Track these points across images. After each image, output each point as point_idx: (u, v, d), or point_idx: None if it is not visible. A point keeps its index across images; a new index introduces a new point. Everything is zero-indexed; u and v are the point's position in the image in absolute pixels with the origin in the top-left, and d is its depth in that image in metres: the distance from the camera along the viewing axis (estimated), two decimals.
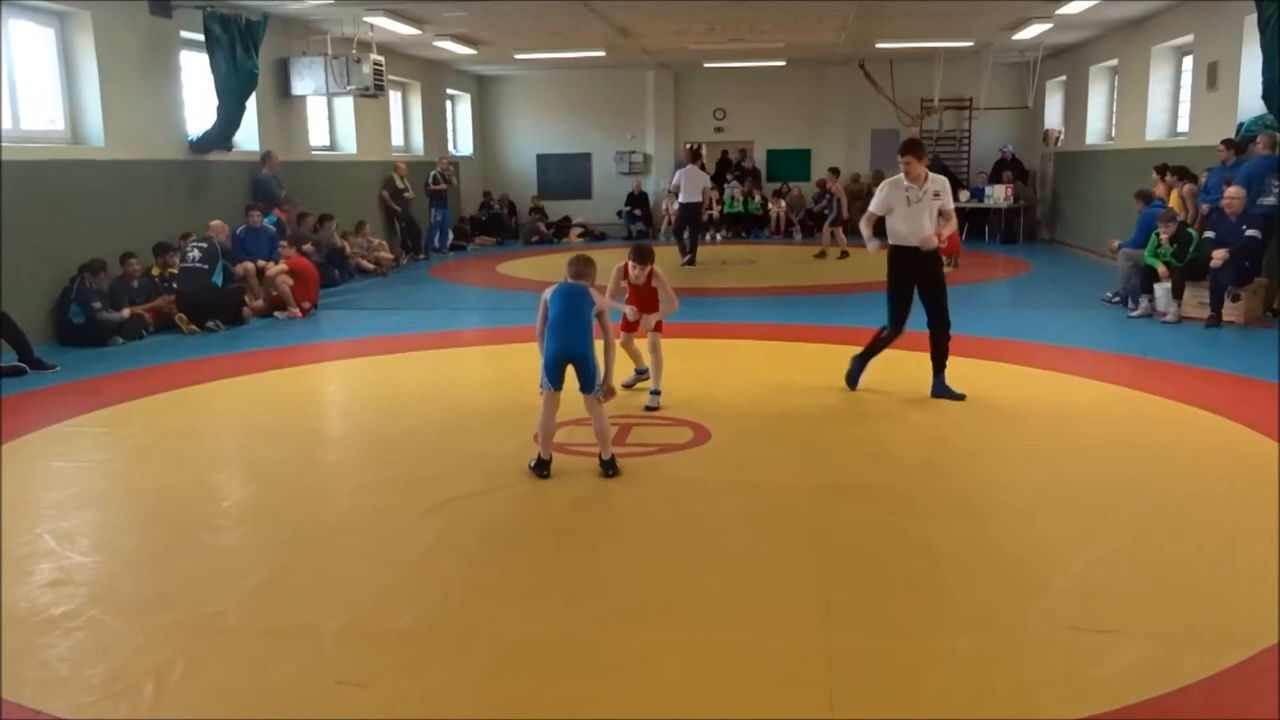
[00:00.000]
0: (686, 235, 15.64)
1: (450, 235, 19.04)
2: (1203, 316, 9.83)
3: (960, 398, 6.87)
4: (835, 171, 18.04)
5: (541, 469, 5.50)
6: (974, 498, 5.25)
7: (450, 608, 3.96)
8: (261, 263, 11.61)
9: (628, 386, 7.33)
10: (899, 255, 6.96)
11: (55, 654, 3.60)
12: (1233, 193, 10.00)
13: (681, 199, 15.51)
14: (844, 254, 16.39)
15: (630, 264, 6.92)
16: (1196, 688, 3.24)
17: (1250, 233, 9.75)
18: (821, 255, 16.71)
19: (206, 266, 10.59)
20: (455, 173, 18.87)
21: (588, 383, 5.45)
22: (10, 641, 3.67)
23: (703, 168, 16.38)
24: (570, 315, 5.40)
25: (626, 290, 7.09)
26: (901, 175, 6.85)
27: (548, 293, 5.51)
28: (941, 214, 6.88)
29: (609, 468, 5.50)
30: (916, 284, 6.95)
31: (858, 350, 7.30)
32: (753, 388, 7.54)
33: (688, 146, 21.87)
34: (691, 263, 15.51)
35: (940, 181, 6.90)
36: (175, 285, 10.61)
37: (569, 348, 5.39)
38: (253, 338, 10.16)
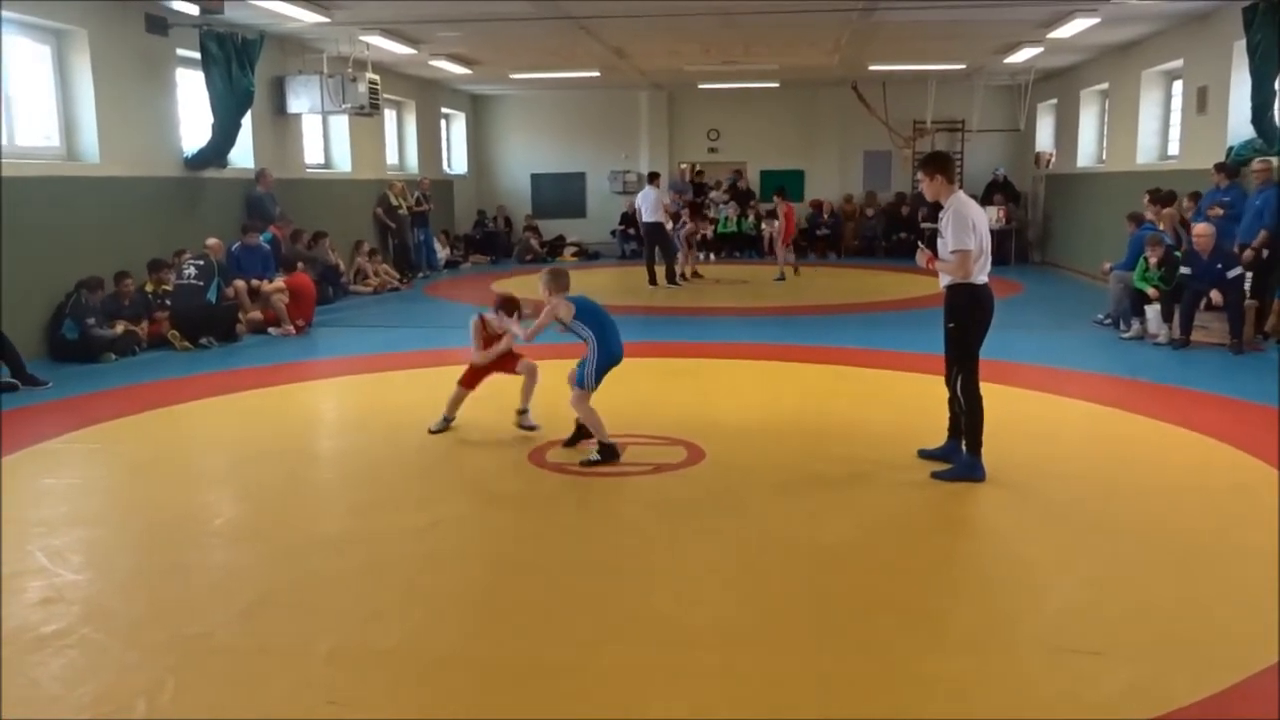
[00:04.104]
0: (659, 257, 15.69)
1: (445, 252, 19.11)
2: (1209, 341, 9.79)
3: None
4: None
5: (611, 454, 6.01)
6: (963, 520, 5.27)
7: (439, 629, 3.96)
8: (256, 281, 11.62)
9: (434, 432, 6.88)
10: None
11: (46, 672, 3.58)
12: (1201, 230, 9.91)
13: (644, 219, 15.76)
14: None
15: (494, 316, 6.74)
16: (1190, 710, 3.25)
17: (1233, 274, 9.63)
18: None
19: (202, 283, 10.59)
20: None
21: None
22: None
23: (664, 187, 16.64)
24: (611, 322, 6.16)
25: (482, 343, 6.93)
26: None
27: (571, 309, 6.04)
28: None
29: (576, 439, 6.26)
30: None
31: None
32: (747, 407, 7.55)
33: (683, 166, 22.06)
34: (672, 280, 15.56)
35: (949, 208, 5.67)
36: (169, 302, 10.60)
37: (621, 350, 6.15)
38: (246, 355, 10.15)
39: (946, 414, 5.97)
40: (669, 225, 19.16)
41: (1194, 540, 4.83)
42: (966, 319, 5.69)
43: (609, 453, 6.01)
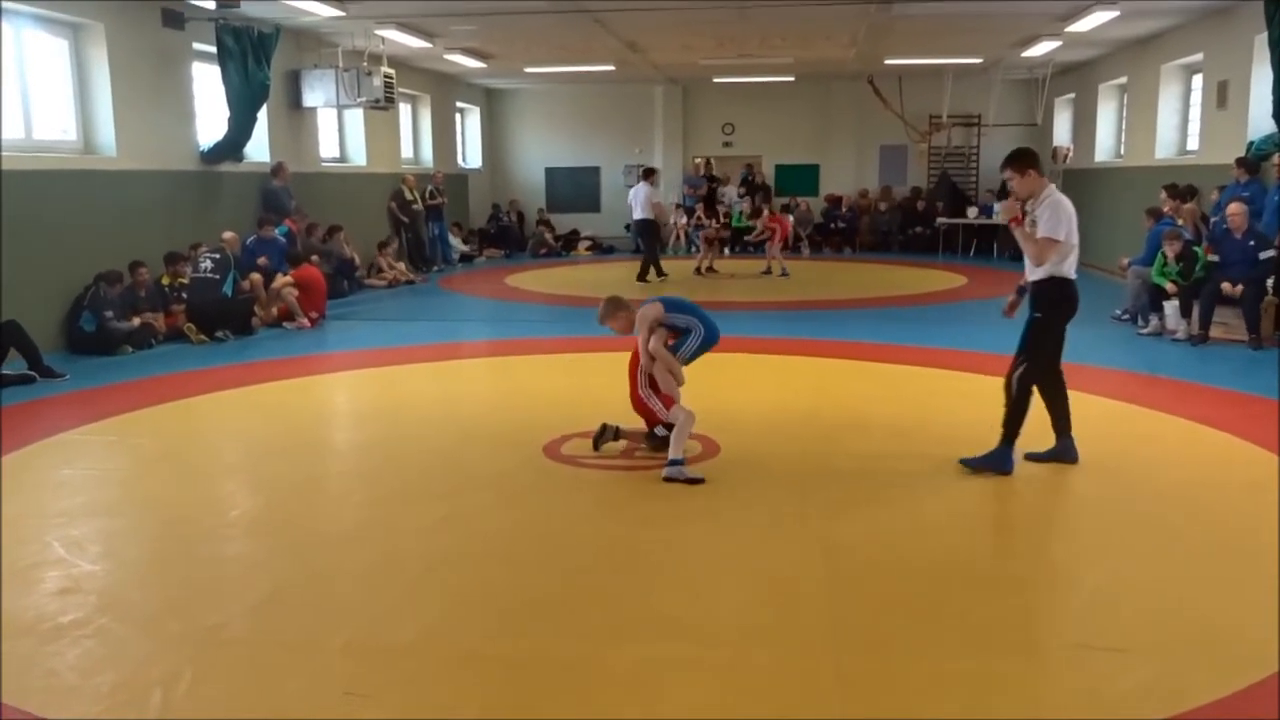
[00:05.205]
0: (659, 251, 15.74)
1: (459, 246, 19.15)
2: (1228, 338, 9.70)
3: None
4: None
5: (655, 440, 6.02)
6: (980, 516, 5.24)
7: (452, 623, 3.95)
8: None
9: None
10: None
11: (63, 662, 3.59)
12: (1235, 210, 9.80)
13: (635, 215, 15.83)
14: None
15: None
16: (1210, 708, 3.22)
17: (1266, 254, 9.54)
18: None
19: (218, 277, 10.63)
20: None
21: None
22: (18, 649, 3.67)
23: (661, 185, 16.73)
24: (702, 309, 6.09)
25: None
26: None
27: (658, 306, 5.90)
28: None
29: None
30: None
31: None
32: (761, 402, 7.53)
33: (697, 160, 22.02)
34: (661, 274, 15.55)
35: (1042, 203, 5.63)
36: (185, 295, 10.65)
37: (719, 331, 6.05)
38: (261, 348, 10.18)
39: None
40: (681, 221, 19.11)
41: (1213, 537, 4.79)
42: (1054, 312, 5.70)
43: (654, 439, 6.02)
